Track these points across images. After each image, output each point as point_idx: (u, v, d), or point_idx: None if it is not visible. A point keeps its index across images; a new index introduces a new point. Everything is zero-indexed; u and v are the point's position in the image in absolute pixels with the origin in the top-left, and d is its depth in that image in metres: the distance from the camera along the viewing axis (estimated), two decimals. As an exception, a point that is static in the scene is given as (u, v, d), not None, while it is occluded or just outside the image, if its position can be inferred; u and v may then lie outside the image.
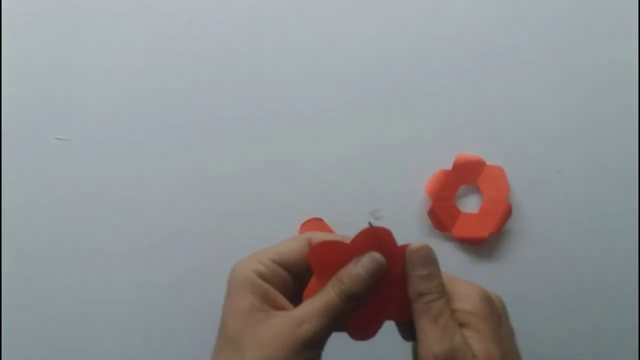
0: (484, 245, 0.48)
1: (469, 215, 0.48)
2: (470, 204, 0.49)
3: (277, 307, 0.31)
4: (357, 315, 0.31)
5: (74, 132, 0.49)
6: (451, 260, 0.48)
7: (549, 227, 0.49)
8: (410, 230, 0.48)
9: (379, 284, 0.31)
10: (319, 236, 0.33)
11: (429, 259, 0.32)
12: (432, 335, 0.30)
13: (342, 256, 0.31)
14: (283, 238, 0.48)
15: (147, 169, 0.49)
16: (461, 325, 0.30)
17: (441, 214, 0.48)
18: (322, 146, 0.49)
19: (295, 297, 0.32)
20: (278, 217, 0.48)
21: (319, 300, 0.31)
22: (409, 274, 0.31)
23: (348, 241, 0.31)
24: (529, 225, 0.48)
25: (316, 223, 0.47)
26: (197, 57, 0.49)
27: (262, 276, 0.31)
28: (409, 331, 0.33)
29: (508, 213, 0.48)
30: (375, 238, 0.31)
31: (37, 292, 0.48)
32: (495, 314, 0.31)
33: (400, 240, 0.49)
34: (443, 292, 0.31)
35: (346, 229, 0.48)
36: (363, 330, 0.32)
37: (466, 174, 0.48)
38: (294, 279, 0.32)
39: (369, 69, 0.49)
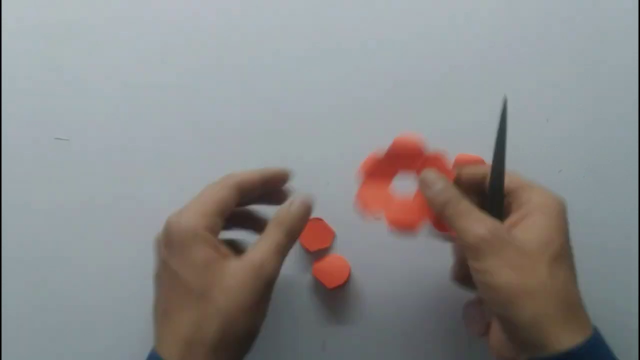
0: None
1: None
2: (470, 204, 0.49)
3: (226, 255, 0.33)
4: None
5: (74, 133, 0.49)
6: (451, 261, 0.48)
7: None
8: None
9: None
10: (243, 177, 0.37)
11: (438, 177, 0.36)
12: (470, 225, 0.33)
13: (385, 168, 0.39)
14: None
15: (147, 169, 0.49)
16: (525, 215, 0.34)
17: (441, 214, 0.47)
18: (322, 146, 0.49)
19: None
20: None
21: (270, 242, 0.34)
22: (429, 197, 0.36)
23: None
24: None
25: (316, 223, 0.48)
26: (197, 57, 0.49)
27: (209, 229, 0.33)
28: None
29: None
30: (406, 145, 0.38)
31: (36, 292, 0.48)
32: (562, 214, 0.34)
33: (401, 241, 0.49)
34: (462, 196, 0.35)
35: (347, 229, 0.48)
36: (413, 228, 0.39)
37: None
38: (225, 225, 0.36)
39: (369, 69, 0.49)
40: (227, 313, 0.31)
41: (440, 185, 0.35)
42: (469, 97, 0.49)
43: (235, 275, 0.32)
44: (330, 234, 0.48)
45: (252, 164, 0.48)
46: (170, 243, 0.33)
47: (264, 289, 0.33)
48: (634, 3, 0.49)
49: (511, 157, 0.48)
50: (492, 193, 0.36)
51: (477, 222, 0.33)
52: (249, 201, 0.40)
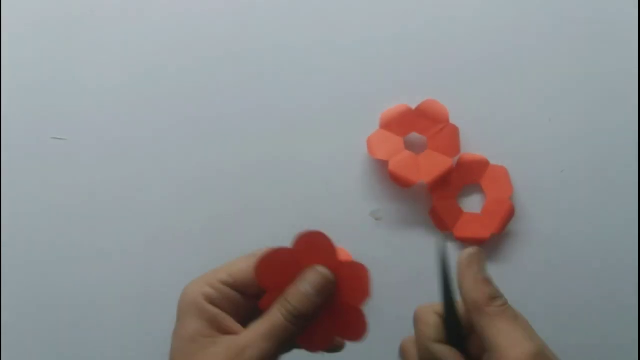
0: (485, 246, 0.48)
1: (471, 215, 0.48)
2: (472, 204, 0.49)
3: (227, 332, 0.29)
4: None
5: (71, 132, 0.49)
6: (452, 261, 0.48)
7: (552, 228, 0.48)
8: (411, 229, 0.48)
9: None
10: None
11: (486, 263, 0.31)
12: (519, 335, 0.28)
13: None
14: (283, 238, 0.48)
15: (144, 168, 0.48)
16: None
17: (443, 214, 0.47)
18: (322, 146, 0.49)
19: (251, 317, 0.30)
20: (278, 217, 0.48)
21: (265, 324, 0.29)
22: (471, 278, 0.30)
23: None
24: (531, 226, 0.48)
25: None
26: (195, 57, 0.49)
27: (210, 299, 0.30)
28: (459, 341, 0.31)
29: (511, 213, 0.47)
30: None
31: (34, 292, 0.48)
32: None
33: (402, 241, 0.49)
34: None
35: (348, 229, 0.48)
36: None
37: (469, 173, 0.48)
38: (247, 298, 0.31)
39: (369, 69, 0.49)
40: None
41: (485, 273, 0.30)
42: (472, 97, 0.49)
43: (216, 355, 0.28)
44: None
45: (251, 163, 0.48)
46: (177, 310, 0.31)
47: None
48: (634, 4, 0.49)
49: (514, 157, 0.49)
50: (448, 329, 0.31)
51: (526, 335, 0.28)
52: None
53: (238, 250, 0.48)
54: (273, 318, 0.29)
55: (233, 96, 0.49)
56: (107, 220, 0.48)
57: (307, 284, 0.29)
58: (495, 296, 0.29)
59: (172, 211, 0.48)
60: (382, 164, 0.47)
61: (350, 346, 0.48)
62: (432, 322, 0.31)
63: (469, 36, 0.49)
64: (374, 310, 0.48)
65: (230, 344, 0.29)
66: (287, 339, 0.29)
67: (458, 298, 0.31)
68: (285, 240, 0.47)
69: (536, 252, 0.48)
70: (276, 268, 0.30)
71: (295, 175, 0.48)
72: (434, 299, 0.48)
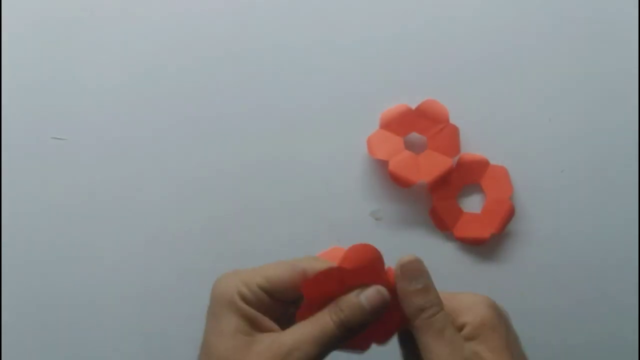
0: (485, 245, 0.48)
1: (471, 215, 0.48)
2: (472, 204, 0.49)
3: (265, 330, 0.29)
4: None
5: (71, 132, 0.48)
6: (451, 261, 0.48)
7: (552, 228, 0.48)
8: (411, 229, 0.48)
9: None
10: (308, 264, 0.30)
11: (422, 271, 0.30)
12: (440, 351, 0.28)
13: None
14: (283, 238, 0.48)
15: (144, 168, 0.48)
16: (470, 338, 0.29)
17: (443, 213, 0.47)
18: (322, 146, 0.49)
19: (280, 321, 0.30)
20: (278, 217, 0.48)
21: (313, 327, 0.29)
22: (404, 290, 0.30)
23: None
24: (531, 226, 0.48)
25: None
26: (195, 57, 0.49)
27: (246, 300, 0.29)
28: (409, 349, 0.32)
29: (511, 214, 0.47)
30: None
31: (34, 292, 0.48)
32: (502, 322, 0.30)
33: (402, 241, 0.49)
34: (441, 304, 0.30)
35: (348, 229, 0.48)
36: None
37: (469, 173, 0.48)
38: (279, 305, 0.31)
39: (369, 69, 0.49)
40: None
41: (421, 282, 0.30)
42: (472, 97, 0.49)
43: (260, 353, 0.28)
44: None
45: (251, 163, 0.48)
46: (211, 302, 0.31)
47: None
48: (634, 4, 0.49)
49: (514, 157, 0.48)
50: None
51: (448, 349, 0.28)
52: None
53: (238, 249, 0.48)
54: (323, 323, 0.29)
55: (233, 96, 0.49)
56: (107, 220, 0.48)
57: (364, 298, 0.29)
58: (423, 307, 0.29)
59: (172, 211, 0.48)
60: (382, 164, 0.47)
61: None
62: None
63: (469, 36, 0.49)
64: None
65: (274, 342, 0.28)
66: (333, 346, 0.29)
67: None
68: (285, 240, 0.48)
69: (536, 252, 0.48)
70: (323, 285, 0.29)
71: (295, 175, 0.48)
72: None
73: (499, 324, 0.30)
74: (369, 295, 0.29)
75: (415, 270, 0.30)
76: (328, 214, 0.48)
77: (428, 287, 0.30)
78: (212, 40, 0.49)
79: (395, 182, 0.47)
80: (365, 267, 0.30)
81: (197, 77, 0.49)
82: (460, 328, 0.30)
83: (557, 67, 0.49)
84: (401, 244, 0.48)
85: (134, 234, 0.48)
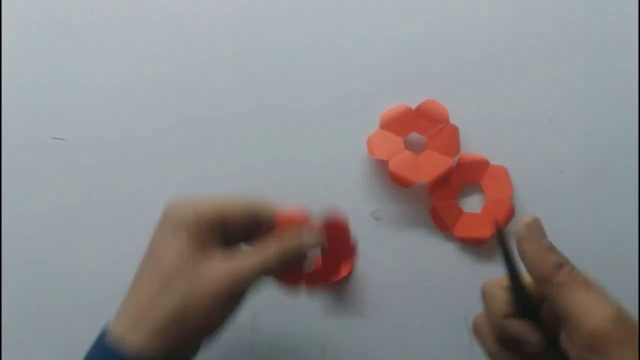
0: (485, 245, 0.48)
1: (471, 215, 0.48)
2: (472, 204, 0.49)
3: (210, 251, 0.32)
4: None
5: (71, 132, 0.49)
6: (451, 261, 0.48)
7: (551, 228, 0.48)
8: (411, 229, 0.48)
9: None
10: (263, 206, 0.35)
11: (544, 230, 0.30)
12: (593, 301, 0.26)
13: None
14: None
15: (145, 168, 0.48)
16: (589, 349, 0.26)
17: (443, 213, 0.47)
18: (322, 146, 0.49)
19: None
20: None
21: (259, 259, 0.33)
22: (535, 248, 0.29)
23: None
24: (531, 226, 0.48)
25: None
26: (195, 57, 0.49)
27: (201, 221, 0.32)
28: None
29: (511, 213, 0.47)
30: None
31: (34, 292, 0.48)
32: (633, 337, 0.26)
33: (402, 240, 0.49)
34: (574, 265, 0.29)
35: (354, 230, 0.48)
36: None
37: (469, 173, 0.48)
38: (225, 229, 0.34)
39: (369, 69, 0.49)
40: (184, 303, 0.31)
41: (548, 241, 0.29)
42: (472, 97, 0.49)
43: (208, 275, 0.31)
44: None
45: (252, 163, 0.48)
46: (162, 219, 0.34)
47: (231, 301, 0.32)
48: (634, 4, 0.49)
49: (514, 157, 0.48)
50: (518, 303, 0.30)
51: (602, 300, 0.26)
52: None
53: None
54: (268, 255, 0.33)
55: (233, 96, 0.49)
56: (107, 220, 0.48)
57: (307, 236, 0.34)
58: (561, 263, 0.28)
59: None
60: (382, 164, 0.47)
61: (350, 344, 0.48)
62: (501, 297, 0.31)
63: (469, 36, 0.49)
64: (373, 309, 0.48)
65: (224, 269, 0.32)
66: (269, 273, 0.34)
67: (522, 270, 0.30)
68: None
69: None
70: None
71: (296, 175, 0.48)
72: (434, 298, 0.48)
73: (627, 338, 0.26)
74: (308, 235, 0.34)
75: (540, 228, 0.29)
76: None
77: (554, 246, 0.29)
78: (211, 41, 0.49)
79: (395, 182, 0.47)
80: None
81: (196, 78, 0.49)
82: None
83: (557, 68, 0.49)
84: (401, 244, 0.48)
85: (135, 233, 0.48)
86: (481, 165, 0.48)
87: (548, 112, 0.49)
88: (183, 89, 0.49)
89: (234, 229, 0.34)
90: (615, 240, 0.48)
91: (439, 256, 0.48)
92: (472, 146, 0.48)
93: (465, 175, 0.48)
